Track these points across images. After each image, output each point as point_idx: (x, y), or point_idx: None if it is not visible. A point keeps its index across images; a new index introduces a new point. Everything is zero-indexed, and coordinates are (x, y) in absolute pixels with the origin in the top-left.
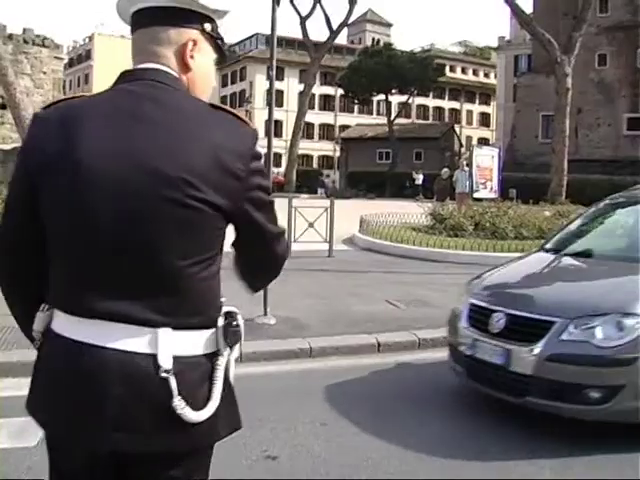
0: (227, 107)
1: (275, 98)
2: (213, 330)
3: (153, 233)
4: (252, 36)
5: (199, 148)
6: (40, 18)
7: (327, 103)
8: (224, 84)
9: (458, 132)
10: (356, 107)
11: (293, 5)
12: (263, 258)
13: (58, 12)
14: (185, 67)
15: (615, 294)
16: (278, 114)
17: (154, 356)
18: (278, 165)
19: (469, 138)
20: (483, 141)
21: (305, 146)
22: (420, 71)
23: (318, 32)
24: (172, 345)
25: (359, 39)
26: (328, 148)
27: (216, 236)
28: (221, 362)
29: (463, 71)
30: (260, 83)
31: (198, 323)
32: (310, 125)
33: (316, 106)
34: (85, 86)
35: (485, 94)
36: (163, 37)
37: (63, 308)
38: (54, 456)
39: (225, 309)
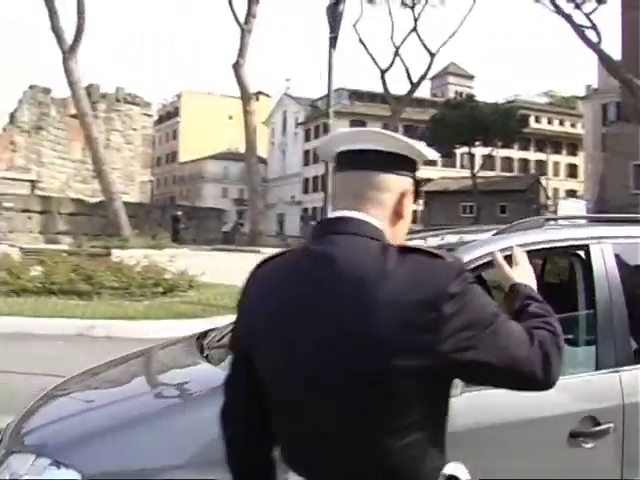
0: (419, 246)
1: None
2: None
3: (344, 405)
4: (335, 91)
5: (379, 311)
6: (131, 77)
7: None
8: (307, 139)
9: (545, 184)
10: (439, 160)
11: (373, 58)
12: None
13: (148, 71)
14: (398, 216)
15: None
16: None
17: None
18: None
19: (556, 190)
20: (571, 193)
21: None
22: (504, 122)
23: (400, 85)
24: None
25: (442, 92)
26: None
27: (415, 401)
28: None
29: (549, 121)
30: None
31: None
32: None
33: None
34: (173, 141)
35: (572, 144)
36: (381, 183)
37: (289, 466)
38: None
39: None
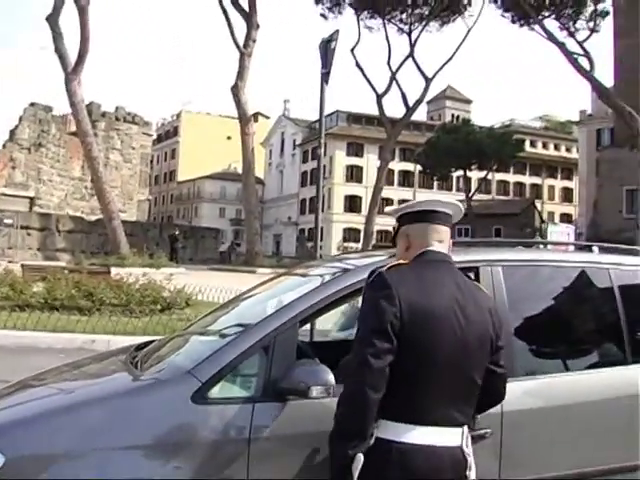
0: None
1: (354, 174)
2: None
3: (473, 368)
4: (332, 113)
5: (487, 311)
6: (131, 97)
7: (406, 179)
8: (304, 160)
9: (540, 208)
10: (435, 183)
11: (369, 82)
12: None
13: (148, 91)
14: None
15: None
16: (357, 189)
17: (461, 447)
18: (357, 241)
19: (551, 214)
20: (566, 217)
21: (384, 222)
22: (499, 146)
23: (397, 109)
24: (467, 437)
25: (439, 115)
26: None
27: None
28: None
29: (544, 146)
30: (340, 159)
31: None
32: (389, 201)
33: (395, 182)
34: (171, 160)
35: (567, 169)
36: (447, 232)
37: (405, 420)
38: None
39: None
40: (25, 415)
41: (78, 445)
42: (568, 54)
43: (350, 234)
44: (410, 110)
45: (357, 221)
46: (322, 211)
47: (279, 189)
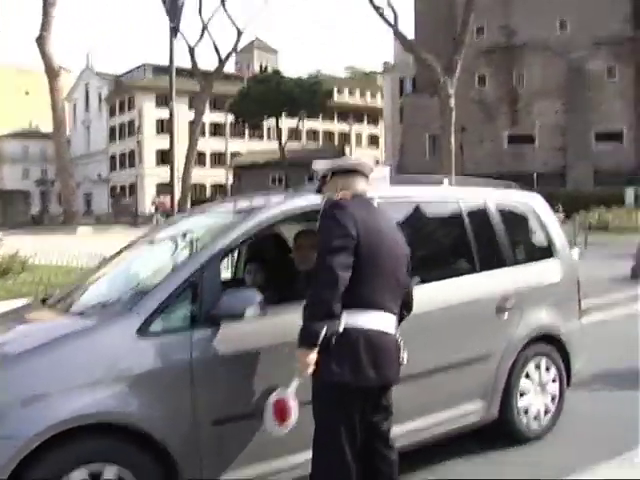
0: None
1: (164, 126)
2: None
3: (401, 270)
4: (140, 66)
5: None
6: None
7: (217, 129)
8: (112, 114)
9: (349, 154)
10: (247, 132)
11: (182, 34)
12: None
13: None
14: None
15: None
16: (168, 143)
17: (394, 334)
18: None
19: None
20: (374, 162)
21: (197, 174)
22: (309, 96)
23: (205, 61)
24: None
25: (247, 66)
26: (220, 175)
27: None
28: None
29: (351, 93)
30: (149, 112)
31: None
32: (201, 153)
33: (207, 133)
34: None
35: (373, 116)
36: (366, 181)
37: (364, 306)
38: (356, 397)
39: None
40: None
41: (40, 388)
42: (376, 7)
43: (163, 188)
44: (223, 61)
45: (166, 175)
46: (134, 166)
47: (86, 145)
